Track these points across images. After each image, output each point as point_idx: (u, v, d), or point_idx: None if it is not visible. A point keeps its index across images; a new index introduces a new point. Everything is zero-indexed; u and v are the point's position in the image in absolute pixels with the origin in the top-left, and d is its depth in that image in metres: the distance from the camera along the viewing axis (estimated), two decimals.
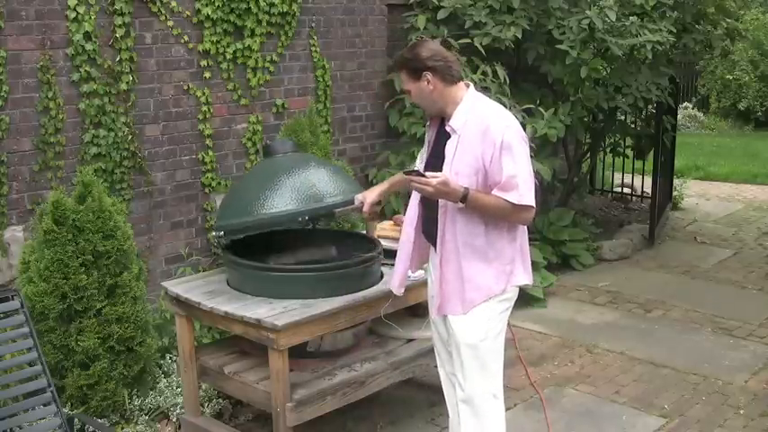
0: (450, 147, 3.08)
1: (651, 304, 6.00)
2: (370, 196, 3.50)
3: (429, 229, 3.25)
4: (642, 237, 7.58)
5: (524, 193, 2.99)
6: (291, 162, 3.85)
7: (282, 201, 3.61)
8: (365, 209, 3.49)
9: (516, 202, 2.98)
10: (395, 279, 3.44)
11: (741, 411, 4.36)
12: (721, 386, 4.66)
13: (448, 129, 3.11)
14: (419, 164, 3.34)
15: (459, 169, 3.03)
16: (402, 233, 3.41)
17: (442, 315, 3.24)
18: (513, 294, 3.23)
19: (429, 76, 3.08)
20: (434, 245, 3.22)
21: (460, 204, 3.00)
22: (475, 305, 3.12)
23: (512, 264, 3.16)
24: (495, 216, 3.04)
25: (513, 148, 2.99)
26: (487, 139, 2.98)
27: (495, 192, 3.00)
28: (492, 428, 3.23)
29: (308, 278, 3.60)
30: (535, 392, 4.32)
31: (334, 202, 3.66)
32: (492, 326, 3.17)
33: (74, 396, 3.86)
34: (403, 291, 3.45)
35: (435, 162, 3.14)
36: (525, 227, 3.23)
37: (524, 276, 3.23)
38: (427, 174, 2.99)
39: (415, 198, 3.32)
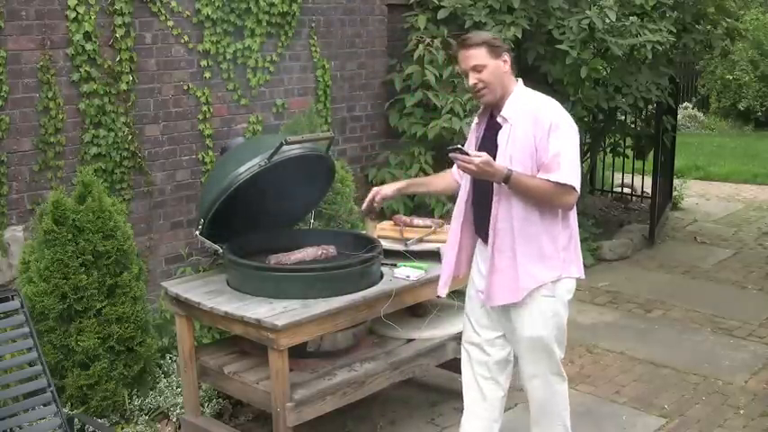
0: (502, 135, 3.16)
1: (651, 304, 6.00)
2: (385, 190, 3.64)
3: (480, 222, 3.29)
4: (642, 237, 7.58)
5: (567, 173, 3.06)
6: (245, 143, 4.16)
7: (241, 159, 3.72)
8: (377, 198, 3.62)
9: (558, 181, 3.05)
10: (441, 278, 3.48)
11: (741, 411, 4.36)
12: (721, 386, 4.67)
13: (499, 119, 3.19)
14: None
15: (513, 154, 3.11)
16: (450, 231, 3.46)
17: (498, 306, 3.27)
18: (572, 286, 3.29)
19: (507, 56, 3.21)
20: (485, 237, 3.26)
21: (504, 186, 3.07)
22: (528, 291, 3.17)
23: (566, 251, 3.21)
24: (538, 199, 3.11)
25: (561, 128, 3.11)
26: (538, 121, 3.10)
27: (539, 174, 3.08)
28: (559, 404, 3.38)
29: (308, 278, 3.60)
30: None
31: (291, 146, 3.74)
32: (556, 321, 3.25)
33: (74, 396, 3.87)
34: (446, 292, 3.48)
35: (485, 152, 3.15)
36: (575, 220, 3.28)
37: (580, 269, 3.30)
38: (470, 152, 3.05)
39: (462, 195, 3.38)
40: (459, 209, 3.40)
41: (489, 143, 3.23)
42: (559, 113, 3.17)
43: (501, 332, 3.38)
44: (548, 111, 3.15)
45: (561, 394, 3.40)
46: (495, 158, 3.10)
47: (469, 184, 3.34)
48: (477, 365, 3.44)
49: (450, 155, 3.07)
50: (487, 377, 3.43)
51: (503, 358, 3.42)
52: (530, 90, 3.27)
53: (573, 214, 3.24)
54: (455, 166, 3.47)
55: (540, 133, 3.09)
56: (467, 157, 3.03)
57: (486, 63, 3.17)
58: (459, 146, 3.09)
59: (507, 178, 3.04)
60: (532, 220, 3.14)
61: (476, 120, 3.40)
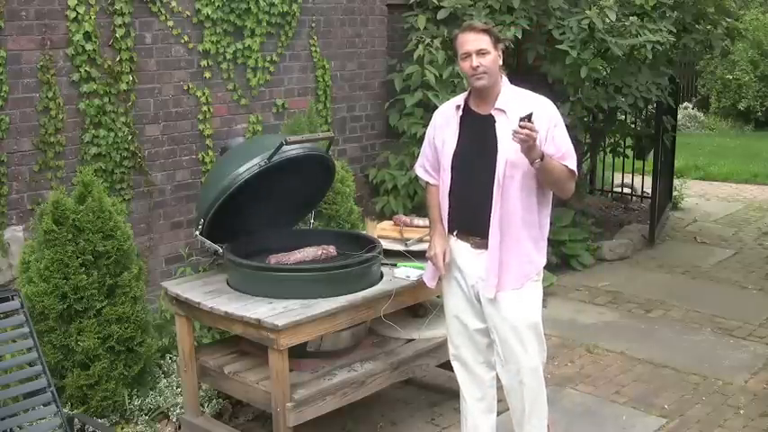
0: (502, 127, 3.22)
1: (651, 304, 6.00)
2: (444, 250, 3.42)
3: (468, 215, 3.32)
4: (642, 237, 7.58)
5: (575, 163, 3.28)
6: (245, 143, 4.18)
7: (241, 159, 3.72)
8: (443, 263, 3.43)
9: (573, 168, 3.25)
10: (428, 271, 3.56)
11: (741, 411, 4.36)
12: (721, 386, 4.66)
13: (494, 112, 3.27)
14: (448, 150, 3.37)
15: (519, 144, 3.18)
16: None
17: (491, 296, 3.31)
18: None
19: (501, 52, 3.32)
20: (473, 232, 3.31)
21: (537, 163, 3.13)
22: (529, 279, 3.31)
23: (545, 239, 3.37)
24: (555, 181, 3.25)
25: (561, 123, 3.29)
26: (544, 116, 3.21)
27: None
28: (545, 401, 3.49)
29: (307, 278, 3.60)
30: None
31: (291, 146, 3.76)
32: (540, 303, 3.39)
33: (74, 396, 3.87)
34: (435, 283, 3.59)
35: (475, 145, 3.26)
36: None
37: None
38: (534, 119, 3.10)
39: (444, 189, 3.39)
40: (443, 203, 3.42)
41: (477, 134, 3.29)
42: (554, 108, 3.33)
43: (486, 323, 3.43)
44: (549, 106, 3.30)
45: (544, 392, 3.48)
46: (493, 148, 3.21)
47: (449, 179, 3.36)
48: (473, 354, 3.50)
49: (521, 123, 3.04)
50: (481, 362, 3.52)
51: (489, 342, 3.48)
52: (516, 87, 3.38)
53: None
54: (419, 172, 3.55)
55: (546, 126, 3.21)
56: (532, 125, 3.05)
57: (489, 50, 3.26)
58: (532, 112, 3.09)
59: (542, 155, 3.13)
60: (532, 209, 3.27)
61: (445, 112, 3.44)
